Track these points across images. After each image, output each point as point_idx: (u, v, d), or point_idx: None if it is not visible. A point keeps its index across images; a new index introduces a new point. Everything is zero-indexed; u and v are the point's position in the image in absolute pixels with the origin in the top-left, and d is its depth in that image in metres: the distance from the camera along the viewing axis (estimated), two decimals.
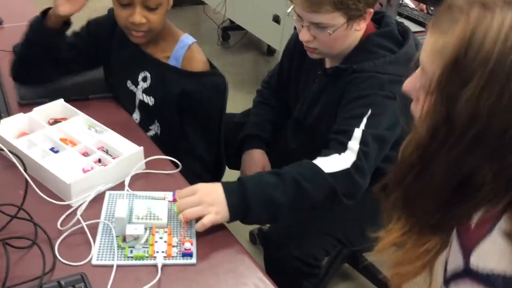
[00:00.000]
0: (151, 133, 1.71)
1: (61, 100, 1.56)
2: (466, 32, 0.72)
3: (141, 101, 1.66)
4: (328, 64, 1.57)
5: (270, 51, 4.33)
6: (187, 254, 1.16)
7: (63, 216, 1.23)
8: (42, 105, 1.53)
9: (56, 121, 1.52)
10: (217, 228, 1.24)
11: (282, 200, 1.25)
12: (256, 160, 1.76)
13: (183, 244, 1.18)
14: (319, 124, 1.56)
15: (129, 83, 1.66)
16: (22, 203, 1.16)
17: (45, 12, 1.55)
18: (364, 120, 1.37)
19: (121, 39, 1.62)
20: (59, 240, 1.17)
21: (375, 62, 1.41)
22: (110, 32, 1.66)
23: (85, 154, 1.40)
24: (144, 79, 1.63)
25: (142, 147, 1.40)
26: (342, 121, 1.43)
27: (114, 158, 1.38)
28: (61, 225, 1.21)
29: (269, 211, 1.26)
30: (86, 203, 1.26)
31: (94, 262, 1.12)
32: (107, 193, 1.32)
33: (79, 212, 1.23)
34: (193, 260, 1.15)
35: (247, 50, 4.40)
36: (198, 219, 1.22)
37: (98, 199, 1.30)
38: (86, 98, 1.65)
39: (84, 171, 1.33)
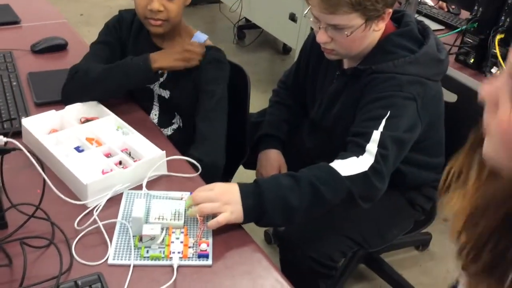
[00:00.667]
0: (174, 126, 1.75)
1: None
2: None
3: (159, 96, 1.69)
4: (346, 64, 1.55)
5: (286, 49, 4.31)
6: (203, 255, 1.16)
7: (80, 216, 1.23)
8: (75, 104, 1.55)
9: (87, 120, 1.54)
10: (232, 228, 1.24)
11: (297, 204, 1.24)
12: (272, 160, 1.74)
13: (199, 245, 1.18)
14: (336, 126, 1.53)
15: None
16: (40, 203, 1.17)
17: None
18: (383, 122, 1.34)
19: (136, 37, 1.66)
20: (76, 240, 1.17)
21: (395, 63, 1.38)
22: (126, 32, 1.69)
23: (108, 155, 1.42)
24: (161, 74, 1.65)
25: (164, 151, 1.40)
26: (360, 123, 1.40)
27: (135, 160, 1.39)
28: (78, 225, 1.21)
29: (284, 214, 1.25)
30: (103, 203, 1.27)
31: (110, 261, 1.12)
32: (125, 192, 1.33)
33: (95, 212, 1.24)
34: (209, 261, 1.15)
35: (262, 48, 4.39)
36: (213, 216, 1.22)
37: (115, 200, 1.30)
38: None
39: (103, 172, 1.35)
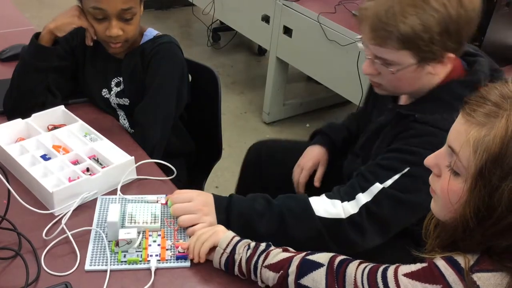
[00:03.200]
0: None
1: (62, 107, 1.55)
2: (509, 128, 0.78)
3: (119, 105, 1.67)
4: (402, 99, 1.39)
5: (262, 51, 4.29)
6: (181, 257, 1.15)
7: (48, 226, 1.20)
8: (42, 111, 1.52)
9: (55, 127, 1.51)
10: None
11: (262, 231, 1.21)
12: (313, 154, 1.63)
13: (177, 247, 1.17)
14: (365, 162, 1.37)
15: (104, 92, 1.68)
16: (5, 213, 1.12)
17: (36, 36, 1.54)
18: (395, 178, 1.21)
19: (93, 50, 1.63)
20: (45, 250, 1.14)
21: (444, 116, 1.18)
22: (83, 45, 1.65)
23: (76, 162, 1.38)
24: (118, 84, 1.65)
25: (133, 157, 1.38)
26: (372, 165, 1.27)
27: (103, 167, 1.36)
28: (46, 235, 1.18)
29: (248, 236, 1.19)
30: (70, 212, 1.24)
31: (87, 267, 1.11)
32: (100, 198, 1.31)
33: (63, 221, 1.21)
34: (187, 263, 1.15)
35: (238, 50, 4.36)
36: None
37: (85, 207, 1.28)
38: (66, 103, 1.62)
39: (70, 180, 1.31)
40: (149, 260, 1.13)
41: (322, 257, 1.06)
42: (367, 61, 1.27)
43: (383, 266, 0.95)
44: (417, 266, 0.90)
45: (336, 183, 1.33)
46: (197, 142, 1.83)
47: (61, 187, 1.24)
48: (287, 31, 2.98)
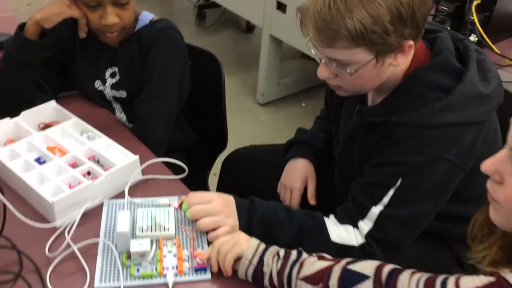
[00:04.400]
0: None
1: (53, 102, 1.44)
2: None
3: (115, 98, 1.55)
4: (370, 99, 1.27)
5: (250, 28, 4.15)
6: (200, 269, 1.06)
7: (51, 240, 1.10)
8: (32, 108, 1.40)
9: (47, 126, 1.40)
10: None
11: (280, 242, 1.13)
12: (300, 170, 1.48)
13: (195, 258, 1.08)
14: (352, 170, 1.28)
15: (97, 83, 1.56)
16: (2, 229, 1.01)
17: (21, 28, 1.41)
18: (390, 193, 1.13)
19: (83, 38, 1.49)
20: (50, 269, 1.04)
21: (420, 112, 1.10)
22: (71, 35, 1.53)
23: (74, 165, 1.28)
24: (113, 75, 1.54)
25: (137, 156, 1.27)
26: (362, 186, 1.19)
27: (106, 169, 1.26)
28: (49, 251, 1.08)
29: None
30: (76, 222, 1.13)
31: (97, 285, 1.01)
32: (106, 203, 1.22)
33: (68, 235, 1.11)
34: (208, 275, 1.06)
35: (225, 28, 4.21)
36: None
37: (90, 215, 1.18)
38: (55, 98, 1.49)
39: (71, 186, 1.20)
40: (165, 274, 1.04)
41: (367, 267, 0.95)
42: (322, 65, 1.14)
43: (441, 279, 0.85)
44: (482, 280, 0.80)
45: (329, 192, 1.26)
46: (200, 134, 1.72)
47: (61, 195, 1.13)
48: (281, 6, 2.84)
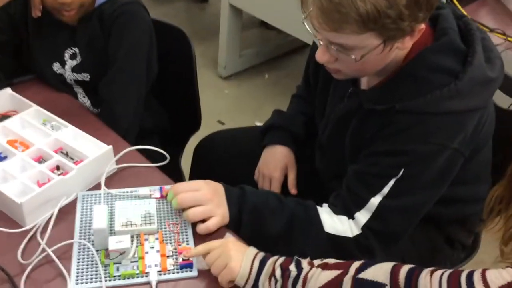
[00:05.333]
0: None
1: (8, 89, 1.34)
2: None
3: (77, 81, 1.45)
4: (364, 83, 1.19)
5: None
6: (185, 266, 1.01)
7: (22, 245, 1.02)
8: None
9: (3, 116, 1.30)
10: (219, 229, 1.10)
11: (271, 232, 1.11)
12: (278, 157, 1.40)
13: (180, 253, 1.02)
14: (346, 155, 1.22)
15: (56, 66, 1.45)
16: None
17: None
18: (391, 183, 1.07)
19: (38, 17, 1.38)
20: (23, 276, 0.96)
21: (427, 99, 1.03)
22: (24, 14, 1.41)
23: (40, 160, 1.19)
24: (73, 56, 1.43)
25: (111, 146, 1.19)
26: (359, 175, 1.12)
27: (76, 162, 1.17)
28: (22, 257, 1.00)
29: (256, 236, 1.10)
30: (51, 224, 1.05)
31: (72, 287, 0.95)
32: (80, 196, 1.14)
33: (40, 237, 1.03)
34: (194, 272, 1.00)
35: None
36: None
37: (63, 212, 1.10)
38: (9, 84, 1.38)
39: (40, 184, 1.12)
40: (147, 272, 0.99)
41: (379, 273, 0.88)
42: (321, 48, 1.04)
43: (465, 275, 0.80)
44: (511, 273, 0.75)
45: (311, 180, 1.21)
46: (171, 114, 1.64)
47: (30, 195, 1.05)
48: None
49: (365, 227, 1.09)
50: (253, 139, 1.47)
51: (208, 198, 1.07)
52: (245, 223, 1.09)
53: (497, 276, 0.75)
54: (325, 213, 1.13)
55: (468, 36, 1.08)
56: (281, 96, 2.78)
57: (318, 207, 1.14)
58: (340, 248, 1.10)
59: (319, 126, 1.33)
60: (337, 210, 1.13)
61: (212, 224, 1.06)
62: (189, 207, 1.07)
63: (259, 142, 1.44)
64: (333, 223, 1.11)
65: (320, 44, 1.04)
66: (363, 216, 1.10)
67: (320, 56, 1.05)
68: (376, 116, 1.09)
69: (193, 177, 1.57)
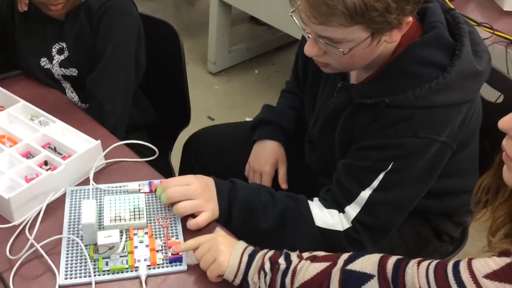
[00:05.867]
0: None
1: None
2: None
3: (65, 76, 1.44)
4: (354, 77, 1.19)
5: None
6: (175, 260, 1.01)
7: (11, 241, 1.01)
8: None
9: None
10: (209, 223, 1.09)
11: (263, 226, 1.11)
12: (269, 152, 1.40)
13: (169, 247, 1.02)
14: (337, 150, 1.22)
15: (43, 61, 1.43)
16: None
17: None
18: (380, 177, 1.08)
19: (24, 11, 1.37)
20: (12, 272, 0.96)
21: (416, 92, 1.03)
22: (10, 8, 1.41)
23: (28, 155, 1.18)
24: (60, 51, 1.42)
25: (99, 141, 1.19)
26: (349, 168, 1.13)
27: (64, 157, 1.17)
28: (11, 253, 0.99)
29: (248, 231, 1.10)
30: (39, 218, 1.05)
31: (61, 282, 0.94)
32: (69, 191, 1.14)
33: (29, 232, 1.02)
34: (183, 266, 1.00)
35: None
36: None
37: (52, 208, 1.09)
38: None
39: (28, 179, 1.11)
40: (137, 267, 0.98)
41: (367, 264, 0.88)
42: (310, 41, 1.05)
43: (451, 265, 0.80)
44: (497, 262, 0.75)
45: (302, 175, 1.20)
46: (160, 109, 1.63)
47: (18, 190, 1.04)
48: None
49: (355, 221, 1.10)
50: (243, 134, 1.46)
51: (198, 193, 1.07)
52: (235, 217, 1.09)
53: (482, 264, 0.76)
54: (316, 207, 1.13)
55: (456, 30, 1.09)
56: (271, 91, 2.79)
57: (309, 201, 1.14)
58: (330, 241, 1.10)
59: (309, 121, 1.33)
60: (328, 204, 1.13)
61: (201, 220, 1.05)
62: (179, 201, 1.06)
63: (249, 138, 1.44)
64: (324, 217, 1.12)
65: (308, 37, 1.04)
66: (353, 210, 1.10)
67: (309, 49, 1.05)
68: (365, 111, 1.10)
69: (182, 173, 1.57)
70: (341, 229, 1.11)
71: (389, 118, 1.07)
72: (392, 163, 1.07)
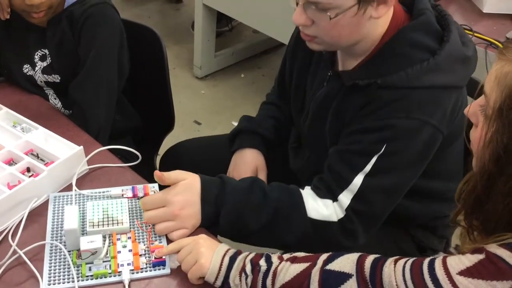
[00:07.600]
0: None
1: None
2: None
3: (47, 82, 1.44)
4: (341, 64, 1.20)
5: None
6: (158, 264, 1.01)
7: None
8: None
9: None
10: None
11: (252, 227, 1.10)
12: (248, 160, 1.38)
13: (152, 252, 1.02)
14: (327, 144, 1.21)
15: (26, 68, 1.43)
16: None
17: None
18: (373, 160, 1.07)
19: (6, 21, 1.37)
20: None
21: (408, 72, 1.05)
22: None
23: (10, 162, 1.18)
24: (43, 58, 1.42)
25: (81, 147, 1.19)
26: (341, 154, 1.12)
27: (47, 164, 1.17)
28: None
29: (235, 232, 1.11)
30: (22, 225, 1.05)
31: None
32: (51, 197, 1.14)
33: (11, 239, 1.02)
34: (167, 269, 1.00)
35: None
36: None
37: (34, 214, 1.09)
38: None
39: (10, 186, 1.11)
40: (120, 272, 0.99)
41: (346, 264, 0.90)
42: (298, 9, 1.07)
43: (427, 262, 0.82)
44: (470, 259, 0.77)
45: (286, 181, 1.18)
46: (144, 115, 1.63)
47: (0, 197, 1.04)
48: None
49: (349, 209, 1.09)
50: (221, 147, 1.45)
51: (175, 214, 1.05)
52: (223, 223, 1.08)
53: (457, 261, 0.78)
54: (309, 197, 1.12)
55: (443, 21, 1.12)
56: (258, 95, 2.80)
57: (302, 191, 1.13)
58: (323, 232, 1.10)
59: (297, 122, 1.33)
60: (321, 193, 1.13)
61: (176, 235, 1.05)
62: None
63: (228, 150, 1.43)
64: (318, 207, 1.11)
65: (297, 5, 1.07)
66: (346, 197, 1.10)
67: (297, 18, 1.08)
68: (357, 95, 1.10)
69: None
70: (335, 219, 1.10)
71: (381, 99, 1.07)
72: (385, 145, 1.07)
